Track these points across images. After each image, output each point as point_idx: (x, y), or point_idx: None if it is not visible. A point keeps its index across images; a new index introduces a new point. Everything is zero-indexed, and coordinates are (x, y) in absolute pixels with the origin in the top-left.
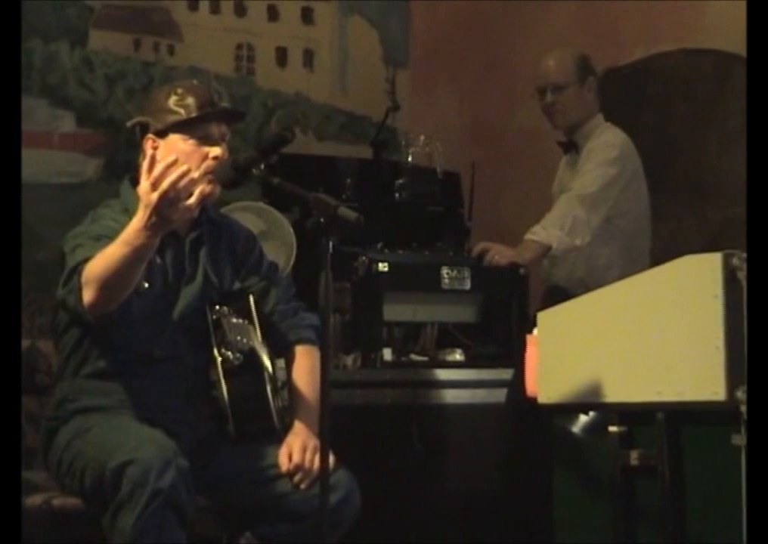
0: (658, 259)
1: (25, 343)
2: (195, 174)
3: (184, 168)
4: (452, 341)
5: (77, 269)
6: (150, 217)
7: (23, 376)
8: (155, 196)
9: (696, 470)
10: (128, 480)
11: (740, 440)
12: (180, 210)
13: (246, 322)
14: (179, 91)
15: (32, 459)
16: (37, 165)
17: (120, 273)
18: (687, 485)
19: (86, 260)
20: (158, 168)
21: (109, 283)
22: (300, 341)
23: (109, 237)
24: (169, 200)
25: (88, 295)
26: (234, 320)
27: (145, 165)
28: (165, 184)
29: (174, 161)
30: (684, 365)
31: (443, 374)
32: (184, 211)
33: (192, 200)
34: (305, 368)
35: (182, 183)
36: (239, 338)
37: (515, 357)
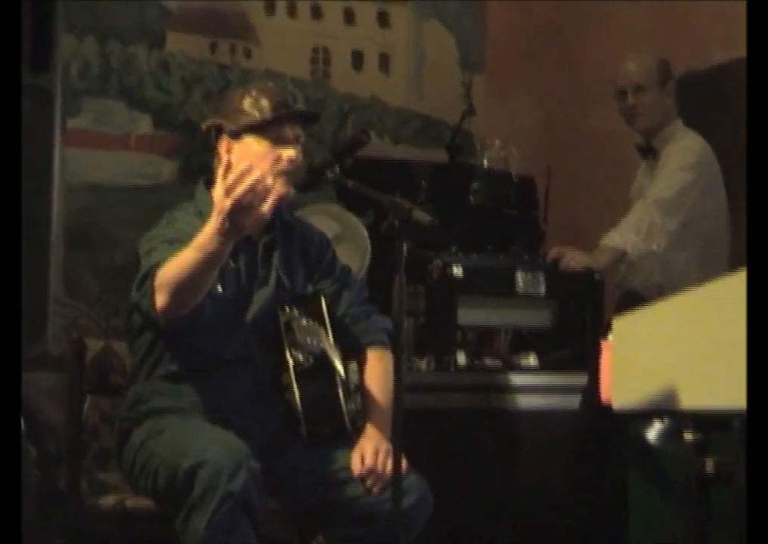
0: (737, 265)
1: (99, 344)
2: (269, 181)
3: (259, 174)
4: (526, 346)
5: (150, 273)
6: (223, 223)
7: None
8: (228, 202)
9: None
10: (200, 481)
11: None
12: (253, 217)
13: (317, 324)
14: (253, 92)
15: (106, 459)
16: (114, 167)
17: (192, 278)
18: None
19: (159, 264)
20: (233, 174)
21: (182, 288)
22: (372, 344)
23: (182, 241)
24: (243, 206)
25: (160, 300)
26: (305, 322)
27: (221, 170)
28: (239, 190)
29: (249, 167)
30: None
31: (517, 378)
32: (257, 218)
33: (265, 207)
34: (378, 371)
35: (256, 189)
36: (309, 340)
37: (589, 363)
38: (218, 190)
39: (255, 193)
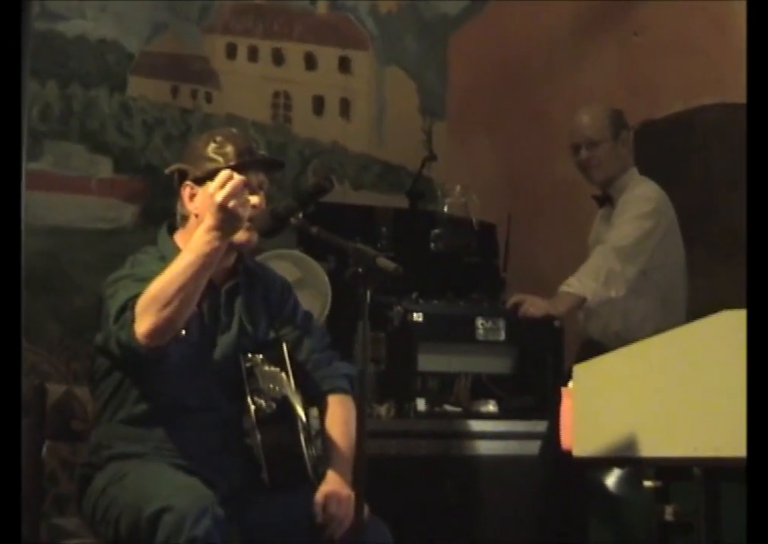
0: (695, 313)
1: (60, 388)
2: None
3: (241, 179)
4: (486, 393)
5: (127, 305)
6: (217, 215)
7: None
8: (220, 194)
9: (733, 527)
10: (163, 527)
11: None
12: (240, 218)
13: (279, 370)
14: (218, 139)
15: (65, 505)
16: (74, 210)
17: (184, 285)
18: (724, 542)
19: (135, 296)
20: (216, 181)
21: (171, 300)
22: (334, 391)
23: (151, 279)
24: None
25: (144, 325)
26: (267, 368)
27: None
28: (228, 187)
29: (230, 175)
30: (721, 420)
31: (476, 425)
32: (243, 220)
33: (247, 210)
34: (339, 417)
35: (241, 187)
36: (271, 386)
37: (549, 409)
38: (203, 196)
39: (240, 192)
